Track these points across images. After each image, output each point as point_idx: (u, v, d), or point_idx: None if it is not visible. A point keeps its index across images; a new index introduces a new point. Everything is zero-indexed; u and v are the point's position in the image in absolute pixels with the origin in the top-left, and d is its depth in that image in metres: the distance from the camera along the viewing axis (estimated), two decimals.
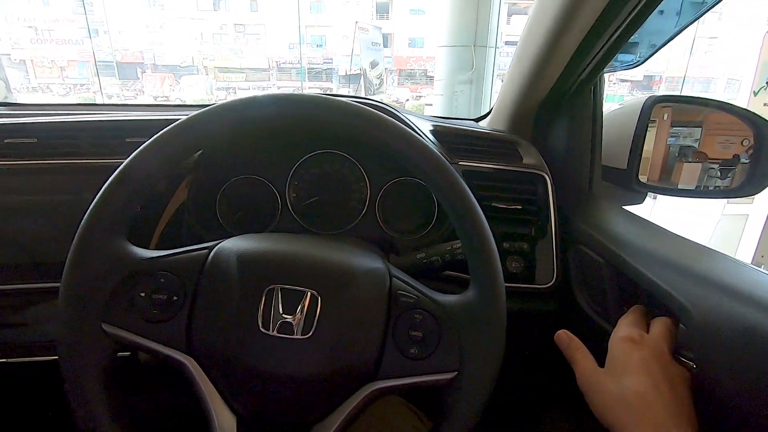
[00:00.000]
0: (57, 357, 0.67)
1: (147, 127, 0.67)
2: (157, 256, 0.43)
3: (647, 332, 0.44)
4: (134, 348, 0.40)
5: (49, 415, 1.02)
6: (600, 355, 0.45)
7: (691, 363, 0.41)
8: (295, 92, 0.45)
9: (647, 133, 0.68)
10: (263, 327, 0.39)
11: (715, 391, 0.39)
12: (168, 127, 0.42)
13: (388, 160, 0.69)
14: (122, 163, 0.51)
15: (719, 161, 0.71)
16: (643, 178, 0.70)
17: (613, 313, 0.56)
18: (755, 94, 2.95)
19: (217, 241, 0.46)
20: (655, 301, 0.48)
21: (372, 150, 0.49)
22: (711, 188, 0.74)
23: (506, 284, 0.44)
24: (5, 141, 0.64)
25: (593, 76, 0.66)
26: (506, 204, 0.68)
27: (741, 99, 3.02)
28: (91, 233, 0.40)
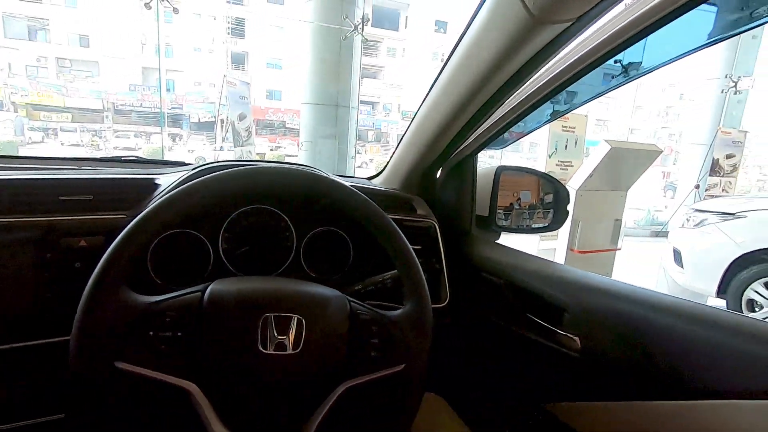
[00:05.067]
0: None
1: (79, 186, 0.67)
2: (158, 300, 0.48)
3: None
4: (143, 380, 0.44)
5: None
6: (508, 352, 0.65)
7: (577, 337, 0.66)
8: (265, 164, 0.56)
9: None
10: (262, 347, 0.48)
11: (597, 356, 0.64)
12: (167, 197, 0.50)
13: (319, 212, 0.81)
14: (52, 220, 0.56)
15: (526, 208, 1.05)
16: (500, 222, 0.98)
17: (514, 318, 0.78)
18: (549, 156, 3.98)
19: (204, 285, 0.52)
20: (543, 302, 0.71)
21: (329, 208, 0.61)
22: (533, 225, 1.07)
23: None
24: None
25: (476, 152, 0.92)
26: None
27: (540, 160, 4.05)
28: (101, 284, 0.45)
